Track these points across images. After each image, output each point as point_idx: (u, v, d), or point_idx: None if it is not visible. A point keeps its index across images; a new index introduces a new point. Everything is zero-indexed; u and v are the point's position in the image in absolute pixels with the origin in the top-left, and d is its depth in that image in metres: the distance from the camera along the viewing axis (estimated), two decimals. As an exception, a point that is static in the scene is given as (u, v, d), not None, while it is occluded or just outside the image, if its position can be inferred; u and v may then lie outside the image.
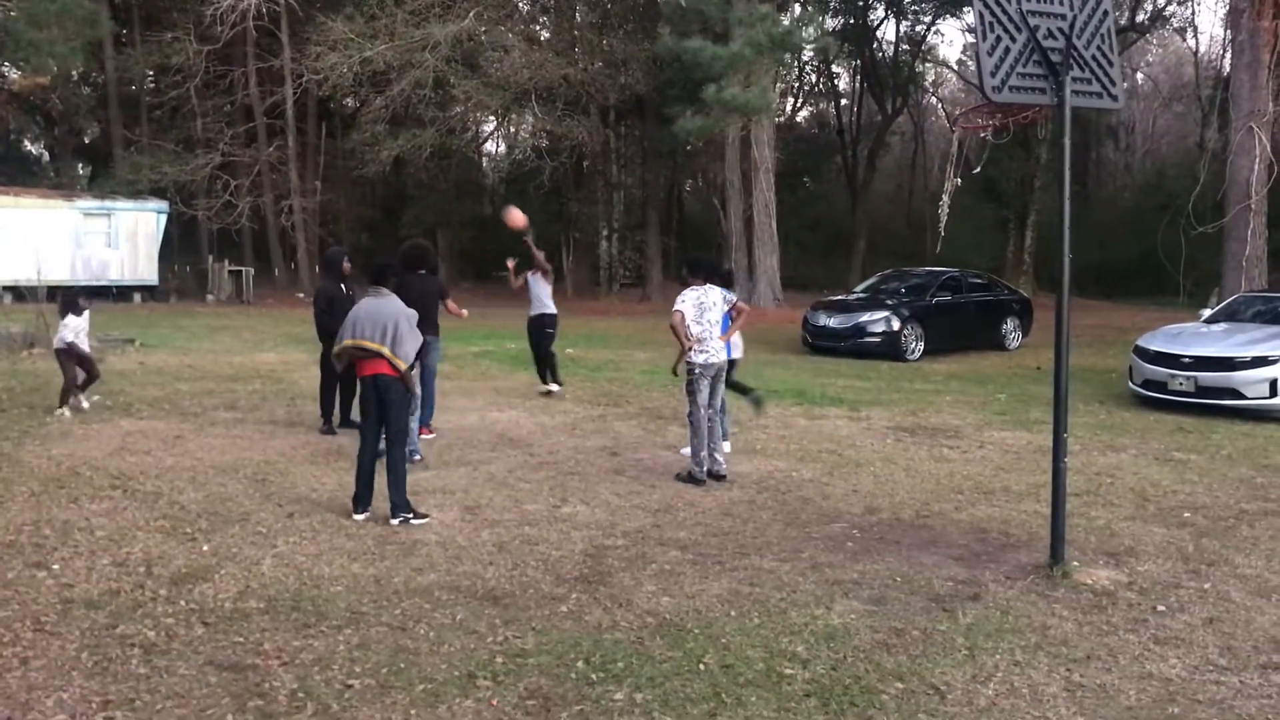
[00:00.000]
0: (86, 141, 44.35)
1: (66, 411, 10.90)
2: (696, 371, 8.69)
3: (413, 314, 7.54)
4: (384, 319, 7.36)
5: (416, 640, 5.17)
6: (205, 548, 6.56)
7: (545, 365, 13.12)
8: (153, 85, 38.93)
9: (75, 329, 11.26)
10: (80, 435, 9.96)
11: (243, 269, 31.76)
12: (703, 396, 8.69)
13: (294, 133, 35.54)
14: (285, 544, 6.68)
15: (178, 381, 13.46)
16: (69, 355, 11.13)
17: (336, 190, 37.85)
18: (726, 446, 9.27)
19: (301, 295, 32.60)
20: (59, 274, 28.24)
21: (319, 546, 6.64)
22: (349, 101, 37.97)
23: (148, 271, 29.81)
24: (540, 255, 12.97)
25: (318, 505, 7.64)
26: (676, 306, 8.74)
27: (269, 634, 5.20)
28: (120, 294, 28.86)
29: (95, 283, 28.53)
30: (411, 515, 7.24)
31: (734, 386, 12.08)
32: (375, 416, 7.47)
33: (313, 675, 4.75)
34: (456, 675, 4.77)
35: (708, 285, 8.86)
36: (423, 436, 10.11)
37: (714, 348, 8.74)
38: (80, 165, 43.75)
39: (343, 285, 10.78)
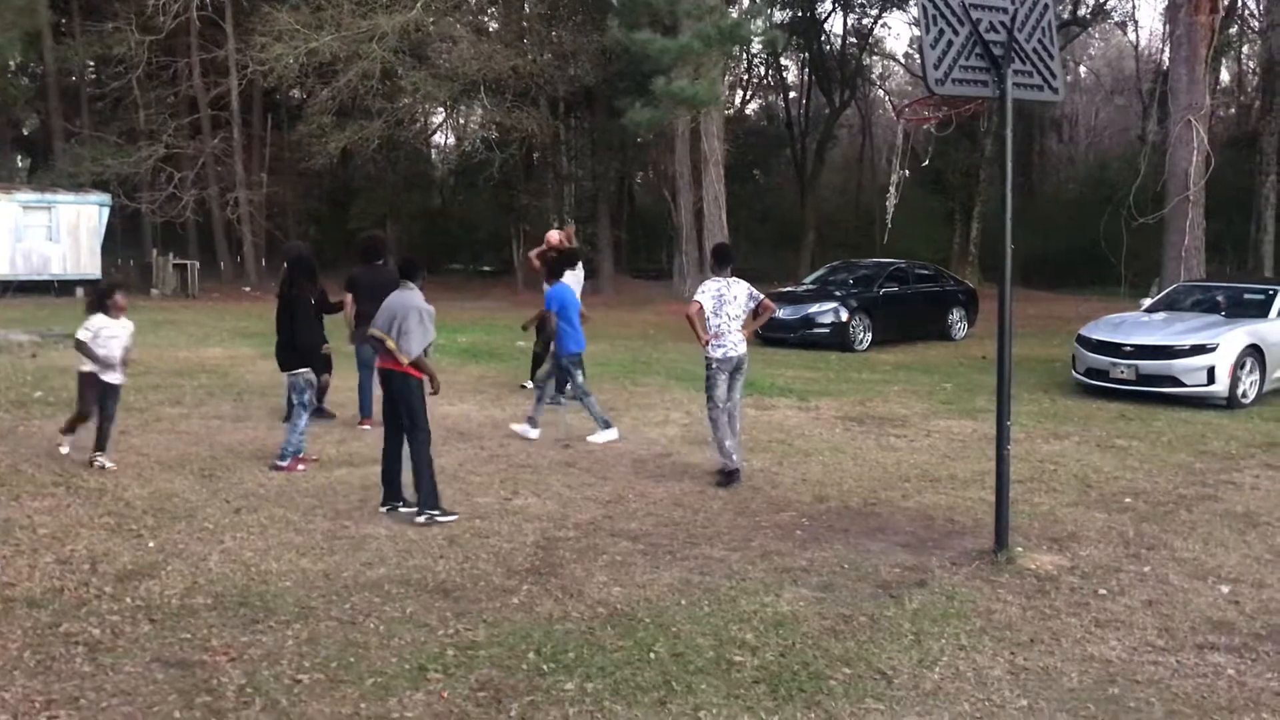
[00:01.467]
0: (25, 133, 43.46)
1: (103, 460, 8.41)
2: (713, 366, 8.51)
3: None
4: (396, 311, 7.28)
5: (366, 634, 5.15)
6: (151, 544, 6.49)
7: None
8: (93, 76, 38.19)
9: (105, 338, 8.53)
10: (22, 433, 9.79)
11: (188, 263, 31.26)
12: (720, 392, 8.53)
13: (239, 124, 35.04)
14: (233, 540, 6.62)
15: (121, 377, 13.23)
16: (90, 384, 8.52)
17: (283, 183, 37.37)
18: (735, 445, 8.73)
19: (248, 289, 32.23)
20: (-3, 268, 27.77)
21: (267, 542, 6.59)
22: (295, 93, 37.55)
23: (90, 265, 29.24)
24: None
25: (265, 500, 7.58)
26: (695, 297, 8.57)
27: (216, 630, 5.16)
28: (62, 288, 28.31)
29: (36, 277, 28.04)
30: (438, 512, 7.11)
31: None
32: (391, 412, 7.44)
33: (261, 671, 4.72)
34: (407, 668, 4.77)
35: (732, 278, 8.62)
36: (363, 427, 10.30)
37: (731, 342, 8.50)
38: (19, 158, 42.89)
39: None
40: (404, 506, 7.30)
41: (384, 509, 7.33)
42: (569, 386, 10.77)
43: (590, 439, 9.94)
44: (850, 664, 4.90)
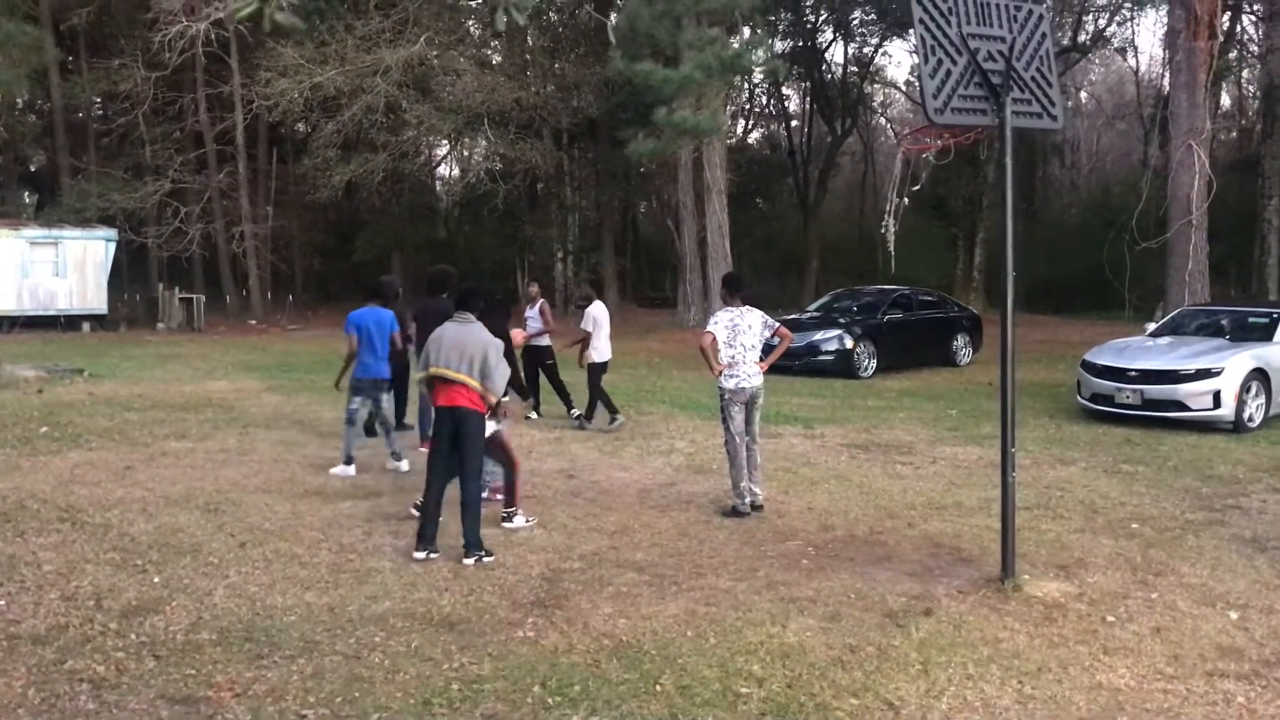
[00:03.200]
0: (32, 169, 43.69)
1: (525, 522, 8.02)
2: (727, 397, 8.41)
3: (500, 344, 7.29)
4: (471, 348, 7.09)
5: (371, 669, 5.14)
6: (156, 579, 6.48)
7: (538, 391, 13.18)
8: (100, 112, 38.50)
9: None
10: (28, 468, 9.80)
11: (194, 296, 31.37)
12: (736, 424, 8.41)
13: (244, 158, 35.25)
14: (238, 574, 6.62)
15: (127, 411, 13.28)
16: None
17: (288, 216, 37.56)
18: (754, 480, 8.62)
19: (254, 322, 32.31)
20: (4, 304, 27.88)
21: (272, 576, 6.59)
22: (300, 127, 37.73)
23: (96, 300, 29.38)
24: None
25: (270, 534, 7.57)
26: (708, 328, 8.50)
27: (221, 665, 5.15)
28: (69, 323, 28.43)
29: (42, 313, 28.16)
30: (484, 554, 6.96)
31: (603, 397, 12.31)
32: (447, 450, 7.14)
33: (266, 706, 4.70)
34: (412, 703, 4.75)
35: (745, 307, 8.53)
36: (425, 449, 10.40)
37: (745, 373, 8.37)
38: (26, 194, 43.12)
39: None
40: (434, 552, 7.01)
41: (422, 555, 6.97)
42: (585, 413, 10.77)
43: (332, 470, 9.79)
44: (857, 695, 4.87)
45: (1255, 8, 35.20)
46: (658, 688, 4.92)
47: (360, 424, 10.01)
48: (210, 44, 30.95)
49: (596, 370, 12.55)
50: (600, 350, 12.59)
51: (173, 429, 12.06)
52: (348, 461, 9.82)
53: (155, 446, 10.98)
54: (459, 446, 7.11)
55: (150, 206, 33.16)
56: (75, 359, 19.43)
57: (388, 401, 10.35)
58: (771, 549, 7.33)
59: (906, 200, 7.49)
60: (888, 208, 7.34)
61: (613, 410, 12.51)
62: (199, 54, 31.45)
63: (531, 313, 13.29)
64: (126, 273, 34.60)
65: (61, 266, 28.86)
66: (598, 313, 12.68)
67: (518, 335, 11.91)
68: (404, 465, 9.93)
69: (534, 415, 12.89)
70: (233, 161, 35.00)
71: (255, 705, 4.71)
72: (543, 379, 13.16)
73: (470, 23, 36.26)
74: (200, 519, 8.01)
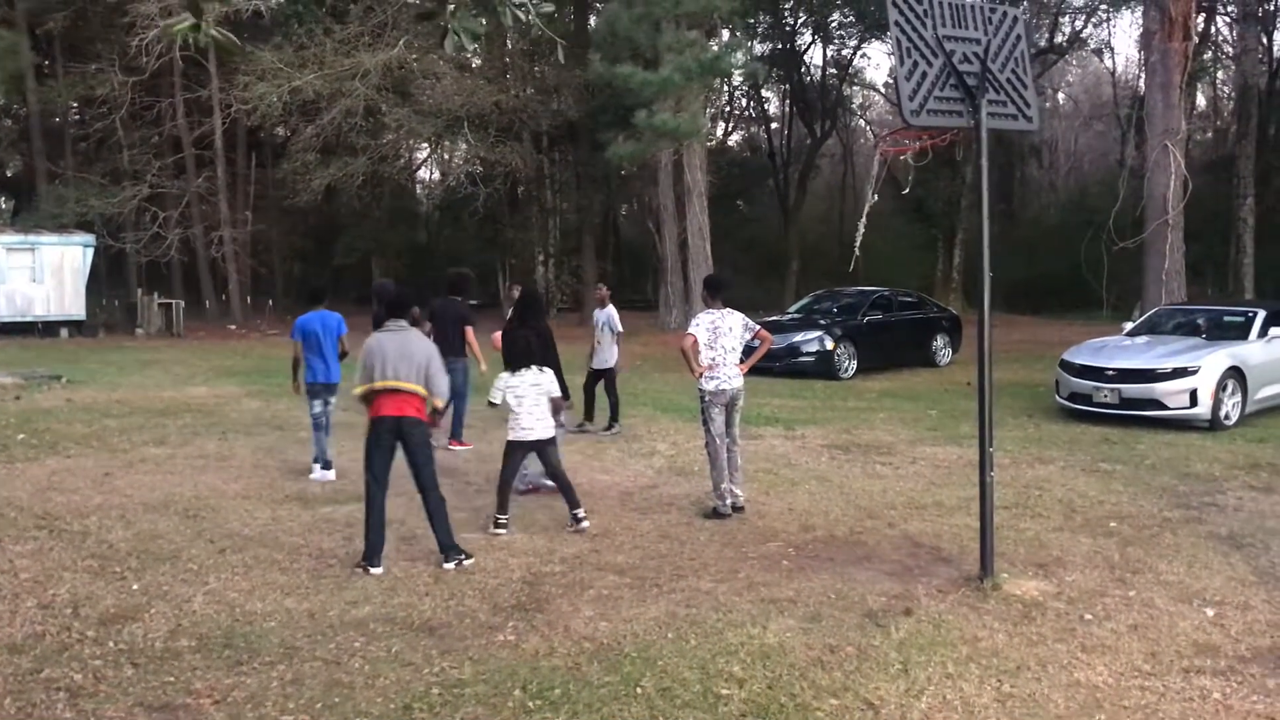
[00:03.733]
0: (9, 175, 43.47)
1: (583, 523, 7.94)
2: (707, 399, 8.43)
3: (436, 349, 7.25)
4: (417, 356, 6.99)
5: (351, 674, 5.12)
6: (135, 587, 6.45)
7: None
8: (77, 117, 38.29)
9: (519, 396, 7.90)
10: (4, 475, 9.73)
11: (173, 302, 31.20)
12: (717, 426, 8.43)
13: (223, 163, 35.14)
14: (217, 580, 6.59)
15: (106, 418, 13.20)
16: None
17: (268, 220, 37.45)
18: (739, 478, 8.67)
19: (234, 327, 32.17)
20: (-19, 310, 27.67)
21: (252, 582, 6.56)
22: (279, 131, 37.65)
23: (74, 306, 29.19)
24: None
25: (250, 540, 7.55)
26: (690, 329, 8.51)
27: (200, 673, 5.13)
28: (46, 329, 28.25)
29: (20, 319, 27.96)
30: (464, 556, 6.95)
31: (615, 403, 12.31)
32: (388, 461, 6.99)
33: (245, 713, 4.69)
34: (393, 708, 4.74)
35: (726, 309, 8.55)
36: (454, 448, 11.12)
37: (726, 375, 8.38)
38: (2, 199, 42.87)
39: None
40: (378, 566, 6.84)
41: (378, 570, 6.79)
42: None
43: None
44: (838, 695, 4.89)
45: (1229, 9, 35.55)
46: (639, 690, 4.93)
47: (326, 427, 9.97)
48: (188, 48, 30.79)
49: (607, 375, 12.57)
50: (615, 355, 12.68)
51: (152, 435, 12.00)
52: (326, 466, 9.80)
53: (134, 453, 10.92)
54: (410, 456, 7.02)
55: (128, 212, 33.01)
56: (53, 365, 19.30)
57: (331, 407, 10.18)
58: (752, 550, 7.35)
59: (876, 197, 7.52)
60: (864, 209, 7.38)
61: (590, 417, 12.57)
62: (176, 58, 31.39)
63: None
64: (105, 278, 34.42)
65: (39, 272, 28.66)
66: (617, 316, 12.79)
67: (499, 339, 11.90)
68: (330, 474, 9.77)
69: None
70: (211, 166, 34.87)
71: (235, 712, 4.70)
72: None
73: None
74: (179, 525, 7.97)
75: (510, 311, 13.21)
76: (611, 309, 12.89)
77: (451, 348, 11.52)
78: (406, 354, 6.97)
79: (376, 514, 6.93)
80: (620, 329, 12.85)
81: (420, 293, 10.74)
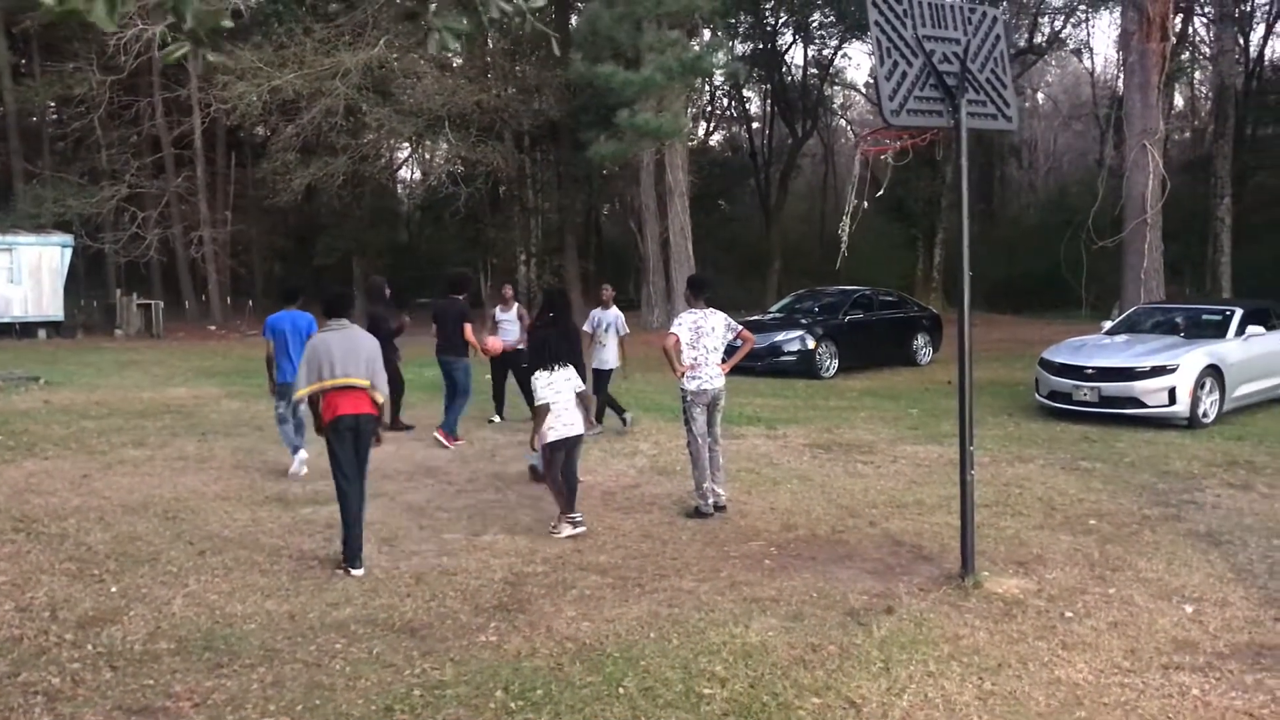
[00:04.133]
0: (-15, 174, 43.10)
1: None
2: (689, 399, 8.43)
3: (379, 345, 7.23)
4: (364, 352, 6.98)
5: (332, 676, 5.10)
6: (114, 589, 6.41)
7: (503, 395, 13.08)
8: (54, 116, 38.00)
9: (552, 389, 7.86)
10: (-20, 478, 9.65)
11: (152, 302, 31.01)
12: (698, 425, 8.43)
13: (203, 163, 34.94)
14: (197, 582, 6.55)
15: (84, 419, 13.11)
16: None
17: (248, 220, 37.25)
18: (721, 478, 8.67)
19: (213, 327, 32.01)
20: (-43, 311, 27.42)
21: (232, 584, 6.53)
22: (259, 130, 37.50)
23: (52, 307, 28.96)
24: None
25: (230, 542, 7.51)
26: (671, 329, 8.52)
27: (180, 675, 5.10)
28: (24, 330, 28.02)
29: (-4, 320, 27.74)
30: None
31: (610, 401, 12.25)
32: (353, 458, 6.97)
33: (225, 716, 4.66)
34: (374, 710, 4.73)
35: (709, 309, 8.56)
36: (448, 445, 11.38)
37: (708, 374, 8.39)
38: (-21, 199, 42.45)
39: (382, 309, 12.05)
40: (360, 568, 6.80)
41: (359, 571, 6.74)
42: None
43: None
44: (819, 694, 4.90)
45: (1207, 10, 35.81)
46: (621, 690, 4.93)
47: (293, 423, 9.96)
48: (166, 47, 30.61)
49: (604, 376, 12.48)
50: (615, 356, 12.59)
51: (131, 436, 11.92)
52: (294, 450, 9.88)
53: (113, 454, 10.85)
54: (360, 452, 7.02)
55: (107, 211, 32.79)
56: (31, 366, 19.15)
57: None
58: (734, 549, 7.36)
59: (866, 205, 7.54)
60: (846, 209, 7.39)
61: (602, 419, 12.51)
62: (155, 57, 31.14)
63: (506, 316, 12.93)
64: (83, 279, 34.14)
65: (16, 273, 28.41)
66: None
67: (495, 344, 11.89)
68: (303, 453, 9.90)
69: (497, 419, 12.85)
70: (191, 166, 34.68)
71: (215, 715, 4.67)
72: (511, 382, 12.92)
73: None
74: (159, 527, 7.92)
75: (500, 311, 13.11)
76: (617, 310, 12.78)
77: (454, 347, 11.57)
78: (354, 351, 6.97)
79: (352, 512, 6.91)
80: (627, 331, 12.76)
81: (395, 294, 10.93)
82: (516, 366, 12.71)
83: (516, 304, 13.18)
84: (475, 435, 12.12)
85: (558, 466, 7.87)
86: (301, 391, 6.99)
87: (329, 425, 6.93)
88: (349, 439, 6.94)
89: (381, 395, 7.06)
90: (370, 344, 7.11)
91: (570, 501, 7.88)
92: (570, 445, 7.94)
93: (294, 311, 9.95)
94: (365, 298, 11.52)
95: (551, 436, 7.78)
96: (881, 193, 7.49)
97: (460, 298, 11.91)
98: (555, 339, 8.08)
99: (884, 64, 6.17)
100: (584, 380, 8.32)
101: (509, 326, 12.84)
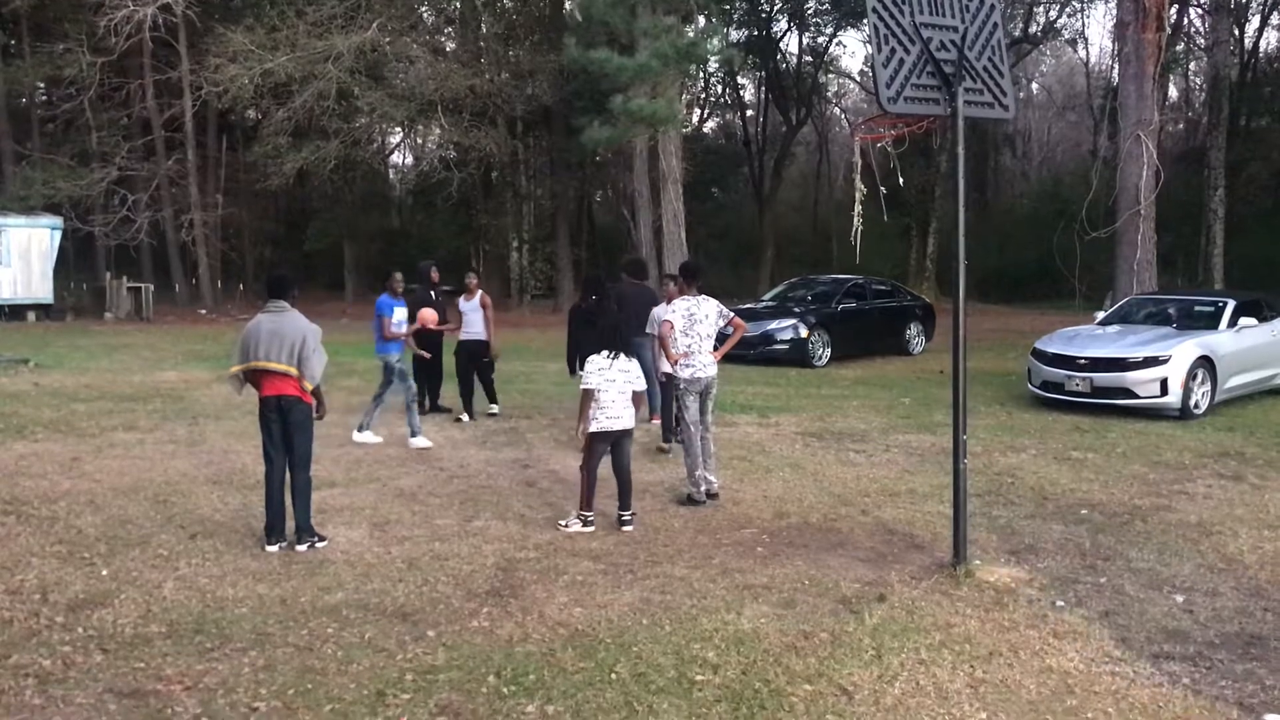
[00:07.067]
0: (-26, 156, 42.83)
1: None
2: (682, 386, 8.41)
3: (317, 330, 7.17)
4: (290, 336, 6.99)
5: (324, 660, 5.09)
6: (104, 572, 6.38)
7: (472, 392, 12.50)
8: (44, 98, 37.79)
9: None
10: (-30, 460, 9.61)
11: (142, 285, 30.89)
12: (691, 413, 8.41)
13: (194, 146, 34.76)
14: (188, 566, 6.53)
15: (74, 402, 13.06)
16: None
17: (239, 204, 37.10)
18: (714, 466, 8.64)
19: (204, 311, 31.90)
20: (-53, 293, 27.30)
21: (223, 568, 6.51)
22: (250, 114, 37.28)
23: (42, 289, 28.85)
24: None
25: (221, 526, 7.49)
26: (665, 316, 8.46)
27: (171, 658, 5.08)
28: (13, 313, 27.91)
29: (-14, 302, 27.62)
30: (317, 539, 7.00)
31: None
32: (275, 439, 7.07)
33: (216, 699, 4.65)
34: (365, 694, 4.72)
35: (701, 296, 8.52)
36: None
37: (701, 362, 8.36)
38: (-32, 181, 42.22)
39: (431, 293, 12.13)
40: (283, 543, 6.94)
41: (274, 547, 6.89)
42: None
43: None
44: (811, 681, 4.90)
45: (1201, 1, 35.78)
46: (613, 676, 4.92)
47: None
48: (158, 29, 30.48)
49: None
50: None
51: (121, 420, 11.88)
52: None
53: (103, 438, 10.81)
54: (287, 435, 7.06)
55: (97, 194, 32.61)
56: (20, 349, 19.07)
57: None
58: (726, 537, 7.36)
59: (865, 190, 7.52)
60: (857, 195, 7.38)
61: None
62: (146, 39, 30.98)
63: (469, 305, 12.48)
64: (73, 261, 34.05)
65: (5, 255, 28.28)
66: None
67: (427, 315, 11.40)
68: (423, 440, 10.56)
69: (465, 419, 12.23)
70: (181, 148, 34.50)
71: (206, 699, 4.65)
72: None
73: (423, 9, 35.96)
74: (149, 510, 7.90)
75: (463, 301, 12.69)
76: (484, 295, 12.56)
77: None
78: (279, 335, 6.98)
79: (273, 491, 7.03)
80: (491, 321, 12.56)
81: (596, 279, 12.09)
82: (479, 359, 12.42)
83: (480, 292, 12.63)
84: (466, 423, 12.08)
85: (597, 458, 7.63)
86: (232, 369, 7.18)
87: (258, 404, 7.12)
88: (273, 419, 7.04)
89: (310, 382, 7.03)
90: (297, 328, 7.03)
91: (589, 500, 7.63)
92: (615, 439, 7.68)
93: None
94: (418, 280, 11.88)
95: (594, 427, 7.57)
96: (883, 190, 7.45)
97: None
98: (618, 326, 7.87)
99: (881, 51, 6.15)
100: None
101: (472, 317, 12.42)
